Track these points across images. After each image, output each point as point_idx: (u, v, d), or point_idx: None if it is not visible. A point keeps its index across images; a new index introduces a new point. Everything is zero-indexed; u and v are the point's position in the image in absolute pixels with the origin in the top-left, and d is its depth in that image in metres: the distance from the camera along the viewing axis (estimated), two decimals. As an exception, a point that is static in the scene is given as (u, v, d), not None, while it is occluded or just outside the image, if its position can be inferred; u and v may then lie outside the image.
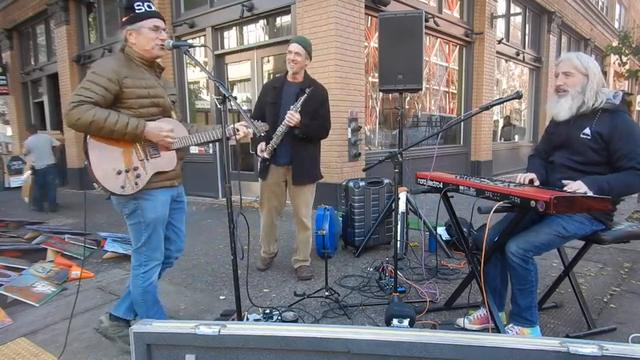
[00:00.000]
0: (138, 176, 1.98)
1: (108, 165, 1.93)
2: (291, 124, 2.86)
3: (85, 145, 1.94)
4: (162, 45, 2.05)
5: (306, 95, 2.86)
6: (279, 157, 3.00)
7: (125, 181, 1.94)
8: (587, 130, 2.05)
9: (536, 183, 2.19)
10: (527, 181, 2.19)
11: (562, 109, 2.11)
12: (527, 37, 10.52)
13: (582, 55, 2.13)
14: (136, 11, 2.00)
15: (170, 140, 2.05)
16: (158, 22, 2.03)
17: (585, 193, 1.87)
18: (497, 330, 2.09)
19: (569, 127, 2.14)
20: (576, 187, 1.92)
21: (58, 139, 7.82)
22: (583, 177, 2.02)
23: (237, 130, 2.18)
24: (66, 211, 6.91)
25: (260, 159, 3.07)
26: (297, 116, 2.85)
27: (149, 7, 2.03)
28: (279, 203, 3.25)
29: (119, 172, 1.94)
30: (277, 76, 3.31)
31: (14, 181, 10.40)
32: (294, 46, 2.94)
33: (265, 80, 6.30)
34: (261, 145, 2.97)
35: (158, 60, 2.15)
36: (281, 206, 3.29)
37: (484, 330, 2.25)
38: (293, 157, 3.01)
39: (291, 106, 2.88)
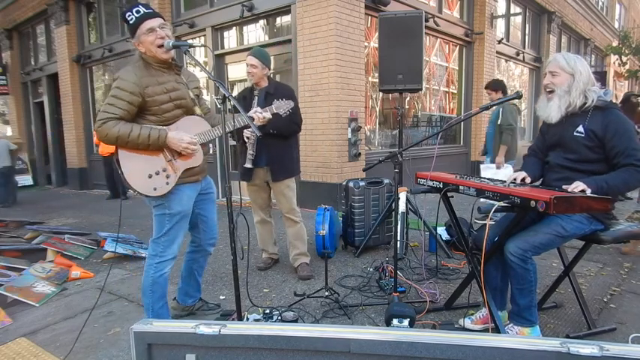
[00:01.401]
0: (168, 176, 2.10)
1: (139, 171, 2.06)
2: (260, 123, 2.92)
3: (116, 154, 2.05)
4: (162, 44, 2.05)
5: (257, 97, 3.04)
6: (259, 160, 3.10)
7: (157, 184, 2.07)
8: (581, 128, 2.06)
9: (528, 180, 2.19)
10: (519, 180, 2.18)
11: (552, 110, 2.12)
12: (527, 37, 10.52)
13: (569, 55, 2.14)
14: (130, 23, 2.05)
15: (190, 152, 2.12)
16: (150, 23, 2.04)
17: (584, 190, 1.88)
18: (497, 330, 2.09)
19: (562, 127, 2.15)
20: (574, 186, 1.93)
21: (16, 143, 8.76)
22: (579, 176, 2.03)
23: (252, 119, 2.31)
24: (66, 210, 6.91)
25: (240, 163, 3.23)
26: (263, 114, 2.93)
27: (137, 12, 2.04)
28: (264, 200, 3.35)
29: (150, 176, 2.06)
30: (245, 87, 3.42)
31: (14, 181, 10.42)
32: (250, 59, 3.07)
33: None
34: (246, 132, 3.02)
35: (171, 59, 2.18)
36: (266, 203, 3.37)
37: (485, 330, 2.25)
38: (269, 156, 3.12)
39: (253, 110, 2.95)
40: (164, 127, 2.08)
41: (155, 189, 2.06)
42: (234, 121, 2.20)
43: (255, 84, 3.13)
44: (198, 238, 2.45)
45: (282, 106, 2.45)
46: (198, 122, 2.22)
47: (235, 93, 6.89)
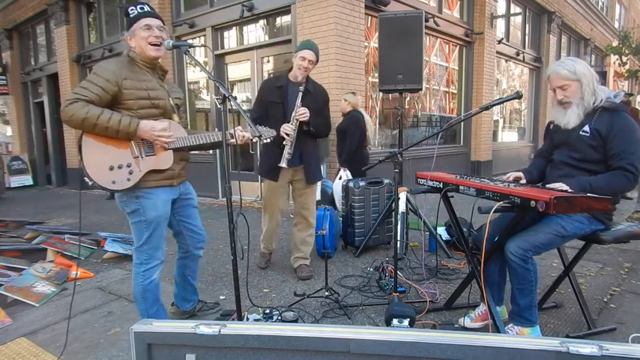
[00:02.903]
0: (130, 172, 2.01)
1: (100, 161, 1.97)
2: (305, 119, 2.88)
3: (79, 141, 1.97)
4: (157, 43, 2.05)
5: (301, 92, 2.90)
6: (292, 160, 2.96)
7: (116, 177, 1.98)
8: (587, 128, 2.07)
9: (522, 181, 2.24)
10: (511, 179, 2.25)
11: (571, 118, 2.12)
12: (527, 37, 10.52)
13: (566, 61, 2.12)
14: (130, 16, 2.05)
15: (164, 140, 2.06)
16: (149, 20, 2.04)
17: (566, 190, 1.91)
18: (497, 329, 2.09)
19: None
20: (557, 186, 1.95)
21: None
22: (580, 173, 2.06)
23: (231, 136, 2.22)
24: (66, 210, 6.91)
25: (258, 161, 3.10)
26: (307, 110, 2.87)
27: (141, 9, 2.06)
28: (284, 202, 3.27)
29: (111, 168, 1.98)
30: (278, 75, 3.28)
31: (14, 181, 10.42)
32: (310, 54, 2.92)
33: (265, 80, 6.30)
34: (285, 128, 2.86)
35: (160, 62, 2.17)
36: (286, 206, 3.31)
37: (485, 326, 2.25)
38: (304, 156, 3.04)
39: (297, 104, 2.89)
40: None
41: (114, 182, 1.97)
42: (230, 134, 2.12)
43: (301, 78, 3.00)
44: (185, 244, 2.41)
45: (264, 133, 2.33)
46: (176, 127, 2.16)
47: (235, 92, 6.93)
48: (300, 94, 2.90)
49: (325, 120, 3.13)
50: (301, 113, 2.86)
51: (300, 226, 3.27)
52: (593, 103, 2.07)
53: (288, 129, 2.86)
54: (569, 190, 1.89)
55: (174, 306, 2.59)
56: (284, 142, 2.88)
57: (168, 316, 2.49)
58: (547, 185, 2.03)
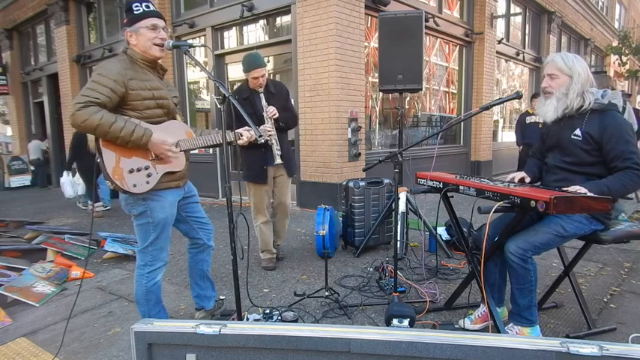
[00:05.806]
0: (149, 175, 2.01)
1: (121, 163, 1.95)
2: (276, 116, 3.09)
3: (97, 143, 1.94)
4: (162, 44, 2.04)
5: (262, 94, 3.14)
6: (270, 158, 3.18)
7: (137, 180, 1.97)
8: (578, 132, 2.05)
9: (527, 181, 2.25)
10: (517, 180, 2.24)
11: (548, 110, 2.12)
12: (527, 37, 10.53)
13: (568, 55, 2.11)
14: (134, 12, 2.01)
15: (171, 155, 2.05)
16: (155, 20, 2.02)
17: (585, 193, 1.88)
18: (497, 329, 2.09)
19: (560, 129, 2.14)
20: (575, 189, 1.93)
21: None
22: (576, 177, 2.04)
23: (241, 135, 2.27)
24: (66, 210, 6.91)
25: (245, 162, 3.32)
26: (274, 108, 3.10)
27: (147, 7, 2.02)
28: (269, 198, 3.47)
29: (131, 171, 1.96)
30: (239, 89, 3.38)
31: (14, 181, 10.42)
32: (260, 71, 3.09)
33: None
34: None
35: (160, 61, 2.16)
36: (269, 202, 3.49)
37: (485, 328, 2.25)
38: (283, 153, 3.20)
39: (264, 107, 3.10)
40: (150, 127, 1.99)
41: (135, 185, 1.95)
42: (225, 133, 2.10)
43: None
44: (199, 238, 2.40)
45: (261, 131, 2.37)
46: (181, 126, 2.17)
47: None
48: (262, 95, 3.13)
49: (291, 113, 3.35)
50: (271, 111, 3.08)
51: (282, 215, 3.54)
52: (579, 107, 2.05)
53: (268, 127, 3.05)
54: (589, 194, 1.86)
55: (200, 310, 2.52)
56: (270, 142, 3.09)
57: (166, 313, 2.48)
58: (563, 188, 1.97)
